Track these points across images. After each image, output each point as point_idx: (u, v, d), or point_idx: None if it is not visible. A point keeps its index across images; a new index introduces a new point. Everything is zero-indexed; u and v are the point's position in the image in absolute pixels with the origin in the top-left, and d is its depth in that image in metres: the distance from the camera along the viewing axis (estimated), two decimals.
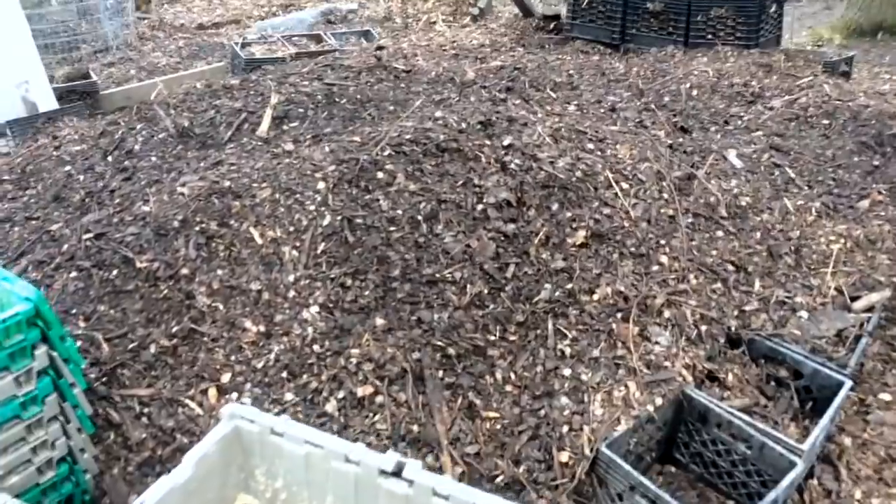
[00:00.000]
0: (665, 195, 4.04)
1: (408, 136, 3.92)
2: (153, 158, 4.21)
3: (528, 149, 4.02)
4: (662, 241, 3.82)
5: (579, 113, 4.98)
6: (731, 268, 3.87)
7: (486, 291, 3.41)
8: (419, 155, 3.86)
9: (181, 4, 12.57)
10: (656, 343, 3.38)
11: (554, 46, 8.40)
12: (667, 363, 3.30)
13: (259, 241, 3.45)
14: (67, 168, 4.37)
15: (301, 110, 4.55)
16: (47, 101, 7.55)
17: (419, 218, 3.57)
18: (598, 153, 4.19)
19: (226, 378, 3.09)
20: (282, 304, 3.28)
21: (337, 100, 4.73)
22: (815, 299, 3.86)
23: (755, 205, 4.27)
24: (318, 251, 3.43)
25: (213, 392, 3.06)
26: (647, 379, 3.21)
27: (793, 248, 4.08)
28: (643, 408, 3.12)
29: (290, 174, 3.71)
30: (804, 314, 3.77)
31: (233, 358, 3.15)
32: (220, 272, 3.35)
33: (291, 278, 3.35)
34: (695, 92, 6.27)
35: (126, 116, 4.77)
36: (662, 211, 3.95)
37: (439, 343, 3.21)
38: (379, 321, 3.27)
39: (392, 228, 3.51)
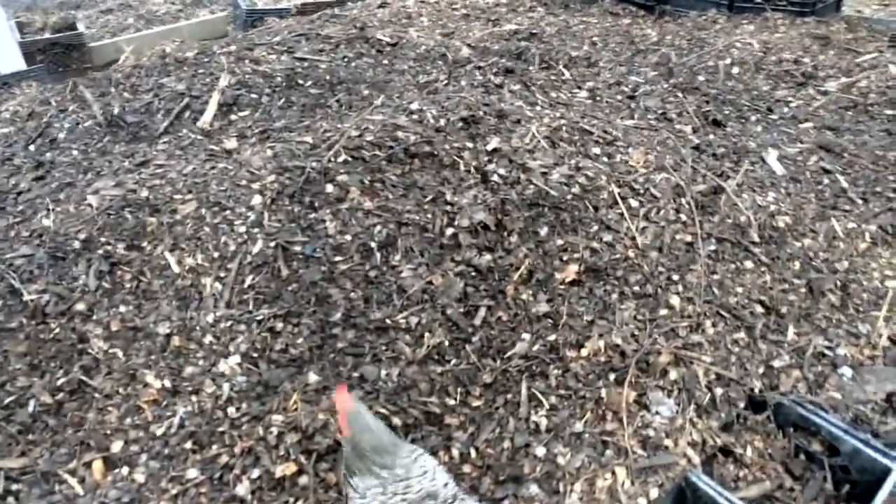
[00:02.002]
0: (683, 215, 3.38)
1: (370, 138, 3.30)
2: (74, 152, 3.65)
3: (518, 155, 3.38)
4: (675, 277, 3.18)
5: (590, 101, 4.29)
6: (759, 309, 3.22)
7: (447, 342, 2.83)
8: (382, 162, 3.25)
9: None
10: (656, 413, 2.79)
11: (580, 6, 7.60)
12: (668, 441, 2.71)
13: (175, 269, 2.90)
14: None
15: (254, 96, 3.94)
16: (11, 62, 7.03)
17: (372, 245, 2.98)
18: (605, 160, 3.53)
19: (117, 447, 2.58)
20: (195, 352, 2.75)
21: (300, 82, 4.10)
22: (863, 351, 3.21)
23: (795, 226, 3.58)
24: (245, 285, 2.87)
25: (98, 465, 2.55)
26: (641, 463, 2.62)
27: (839, 283, 3.41)
28: (633, 502, 2.54)
29: (222, 183, 3.13)
30: (847, 371, 3.13)
31: (128, 421, 2.63)
32: (122, 309, 2.82)
33: (210, 319, 2.81)
34: (735, 69, 5.51)
35: (60, 94, 4.20)
36: (678, 237, 3.30)
37: (383, 409, 2.65)
38: (312, 377, 2.72)
39: (337, 259, 2.93)
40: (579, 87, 4.50)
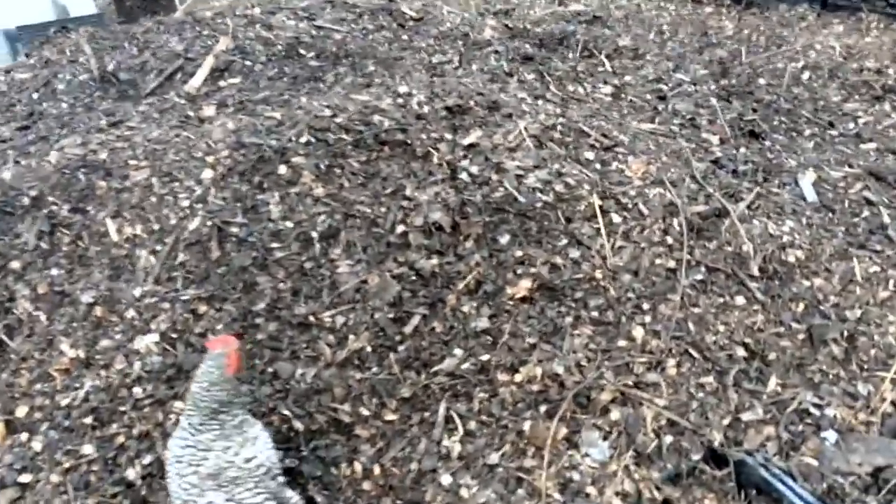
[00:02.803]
0: (671, 238, 3.06)
1: (340, 120, 3.14)
2: (63, 105, 3.69)
3: (496, 153, 3.15)
4: (646, 305, 2.89)
5: (611, 99, 3.96)
6: (740, 353, 2.89)
7: (370, 348, 2.67)
8: (347, 147, 3.09)
9: None
10: (586, 455, 2.55)
11: None
12: (592, 488, 2.47)
13: (114, 237, 2.87)
14: None
15: (248, 63, 3.84)
16: (82, 5, 7.24)
17: (314, 235, 2.84)
18: (597, 167, 3.24)
19: (22, 412, 2.59)
20: (114, 325, 2.71)
21: (302, 52, 3.98)
22: (858, 415, 2.84)
23: (808, 263, 3.19)
24: (177, 262, 2.80)
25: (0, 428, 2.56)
26: None
27: (845, 333, 3.02)
28: None
29: (179, 153, 3.06)
30: (831, 435, 2.77)
31: (37, 387, 2.62)
32: (55, 272, 2.81)
33: (137, 293, 2.75)
34: (806, 74, 5.01)
35: (76, 44, 4.25)
36: (659, 261, 3.00)
37: (287, 412, 2.53)
38: None
39: (274, 245, 2.81)
40: (606, 82, 4.17)
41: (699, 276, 3.03)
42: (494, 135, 3.22)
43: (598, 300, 2.85)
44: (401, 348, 2.68)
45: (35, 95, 3.88)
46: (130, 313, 2.72)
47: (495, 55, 4.19)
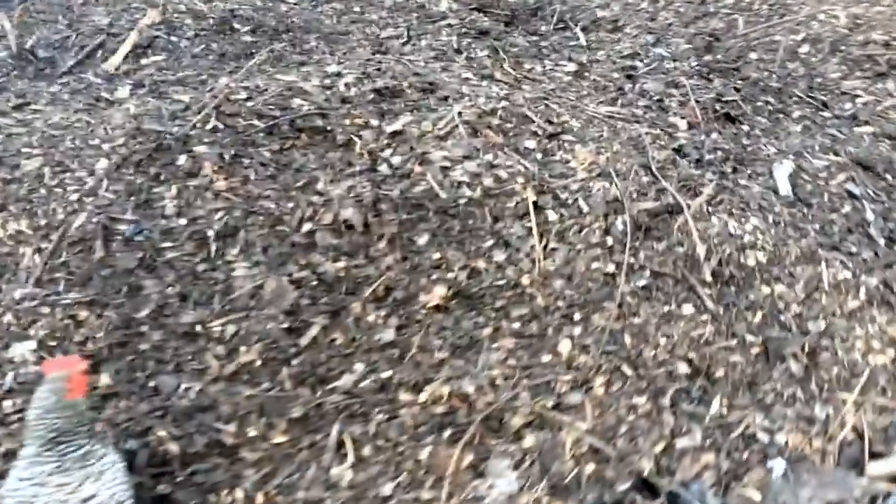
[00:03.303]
0: (611, 238, 2.76)
1: (252, 104, 2.88)
2: None
3: (422, 142, 2.86)
4: (577, 315, 2.61)
5: (571, 78, 3.62)
6: (682, 369, 2.61)
7: (261, 362, 2.43)
8: (258, 134, 2.83)
9: None
10: (492, 487, 2.29)
11: None
12: None
13: None
14: None
15: (174, 39, 3.57)
16: None
17: (209, 234, 2.59)
18: (537, 157, 2.94)
19: None
20: None
21: (236, 27, 3.69)
22: (813, 442, 2.55)
23: (770, 266, 2.87)
24: (59, 262, 2.58)
25: None
26: None
27: (806, 348, 2.71)
28: None
29: (76, 140, 2.82)
30: (779, 465, 2.48)
31: None
32: None
33: (17, 295, 2.55)
34: (804, 48, 4.59)
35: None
36: (597, 265, 2.70)
37: (164, 432, 2.32)
38: (104, 379, 2.41)
39: (165, 245, 2.58)
40: (571, 59, 3.83)
41: (642, 282, 2.73)
42: (424, 121, 2.93)
43: (522, 309, 2.57)
44: (295, 362, 2.44)
45: None
46: (8, 317, 2.51)
47: (449, 29, 3.87)
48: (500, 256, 2.64)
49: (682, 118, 3.45)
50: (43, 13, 4.06)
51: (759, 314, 2.77)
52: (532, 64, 3.67)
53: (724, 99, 3.76)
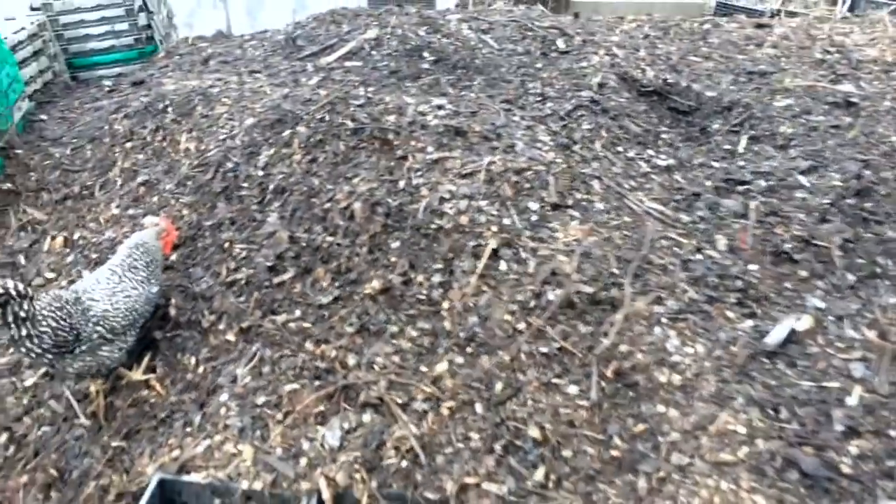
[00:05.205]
0: (535, 304, 3.11)
1: (355, 110, 3.82)
2: (257, 53, 4.96)
3: (447, 174, 3.50)
4: (469, 349, 3.06)
5: (650, 168, 3.79)
6: (532, 432, 2.89)
7: (245, 281, 3.40)
8: (345, 133, 3.76)
9: None
10: (323, 435, 2.94)
11: None
12: None
13: None
14: None
15: (374, 52, 4.64)
16: None
17: (271, 187, 3.63)
18: (529, 218, 3.36)
19: None
20: None
21: (424, 55, 4.62)
22: None
23: (675, 391, 2.92)
24: (193, 171, 3.86)
25: None
26: None
27: (660, 474, 2.76)
28: None
29: (251, 101, 4.09)
30: None
31: None
32: None
33: (170, 186, 3.89)
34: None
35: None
36: (509, 318, 3.09)
37: (174, 300, 3.44)
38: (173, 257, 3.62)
39: (243, 185, 3.68)
40: (676, 157, 3.96)
41: (545, 349, 3.03)
42: (460, 160, 3.56)
43: (427, 324, 3.11)
44: (265, 291, 3.35)
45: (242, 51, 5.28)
46: (155, 199, 3.87)
47: (595, 110, 4.28)
48: (437, 278, 3.20)
49: (729, 239, 3.44)
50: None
51: (640, 426, 2.86)
52: (637, 150, 3.93)
53: (803, 241, 3.49)
